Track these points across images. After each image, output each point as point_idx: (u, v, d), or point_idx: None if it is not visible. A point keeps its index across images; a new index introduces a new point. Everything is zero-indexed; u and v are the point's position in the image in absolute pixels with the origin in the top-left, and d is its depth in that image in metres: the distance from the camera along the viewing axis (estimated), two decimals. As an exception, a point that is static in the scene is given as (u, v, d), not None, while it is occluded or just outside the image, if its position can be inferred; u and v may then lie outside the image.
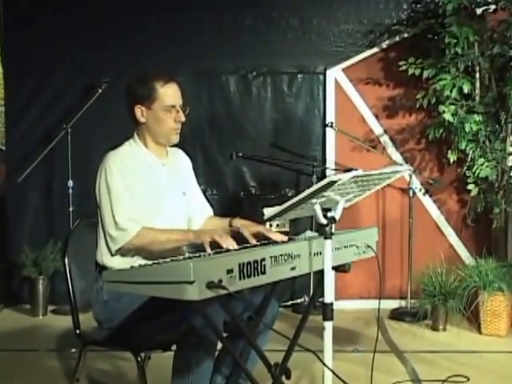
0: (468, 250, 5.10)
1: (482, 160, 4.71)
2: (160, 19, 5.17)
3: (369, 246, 2.67)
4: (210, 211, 3.04)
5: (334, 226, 2.37)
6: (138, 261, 2.65)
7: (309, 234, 2.56)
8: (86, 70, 5.15)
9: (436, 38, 4.77)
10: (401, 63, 4.83)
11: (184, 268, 1.98)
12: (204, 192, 5.06)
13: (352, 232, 2.68)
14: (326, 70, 5.20)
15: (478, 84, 4.74)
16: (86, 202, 4.68)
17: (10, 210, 5.36)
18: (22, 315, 5.06)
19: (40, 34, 5.17)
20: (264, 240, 2.63)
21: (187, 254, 2.57)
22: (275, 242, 2.55)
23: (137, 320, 2.59)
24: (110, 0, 5.22)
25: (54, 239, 5.08)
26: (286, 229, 4.88)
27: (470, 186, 4.85)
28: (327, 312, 2.36)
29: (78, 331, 2.82)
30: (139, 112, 2.77)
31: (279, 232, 2.67)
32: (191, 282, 1.96)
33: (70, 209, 4.91)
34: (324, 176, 4.88)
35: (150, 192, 2.75)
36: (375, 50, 5.16)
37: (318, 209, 2.35)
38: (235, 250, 2.43)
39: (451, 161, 4.91)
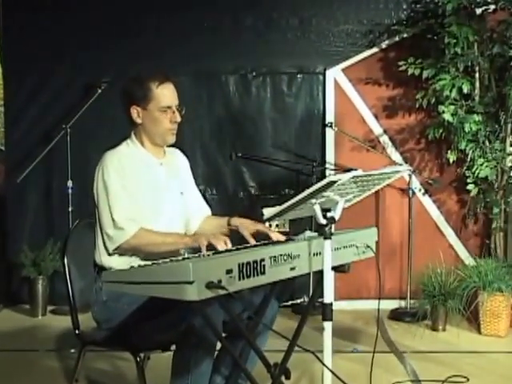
0: (468, 250, 5.10)
1: (482, 160, 4.71)
2: (160, 19, 5.17)
3: (368, 246, 2.67)
4: (207, 211, 3.03)
5: (333, 226, 2.37)
6: (136, 261, 2.65)
7: (308, 234, 2.56)
8: (85, 70, 5.16)
9: (435, 38, 4.77)
10: (400, 63, 4.83)
11: (183, 268, 1.98)
12: (204, 192, 5.15)
13: (351, 232, 2.68)
14: (325, 70, 5.20)
15: (477, 84, 4.74)
16: (85, 202, 4.63)
17: (9, 209, 5.36)
18: (21, 315, 5.06)
19: (40, 34, 5.18)
20: (263, 239, 2.62)
21: (186, 255, 2.57)
22: (275, 242, 2.55)
23: (136, 320, 2.59)
24: (109, 0, 5.22)
25: (53, 239, 5.08)
26: (286, 229, 4.88)
27: (470, 186, 4.85)
28: (327, 312, 2.36)
29: (77, 331, 2.82)
30: (135, 113, 2.76)
31: (278, 232, 2.67)
32: (191, 283, 1.96)
33: (70, 209, 4.91)
34: (324, 176, 4.88)
35: (148, 192, 2.75)
36: (375, 50, 5.16)
37: (317, 209, 2.35)
38: (235, 250, 2.43)
39: (451, 161, 4.91)
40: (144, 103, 2.74)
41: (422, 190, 5.10)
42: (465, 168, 4.87)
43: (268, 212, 2.42)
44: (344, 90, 5.18)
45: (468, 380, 3.51)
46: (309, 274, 2.43)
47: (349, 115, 5.16)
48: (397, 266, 5.10)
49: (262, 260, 2.19)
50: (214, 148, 5.29)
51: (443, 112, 4.65)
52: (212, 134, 5.30)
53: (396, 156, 5.15)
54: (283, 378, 2.27)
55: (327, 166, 5.15)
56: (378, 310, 2.92)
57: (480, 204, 4.89)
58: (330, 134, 5.14)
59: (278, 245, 2.42)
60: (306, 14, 5.21)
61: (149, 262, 2.36)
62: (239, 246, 2.52)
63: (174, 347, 2.54)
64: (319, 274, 2.41)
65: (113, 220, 2.64)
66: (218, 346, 2.48)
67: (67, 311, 2.95)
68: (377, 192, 4.72)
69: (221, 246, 2.46)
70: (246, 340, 2.52)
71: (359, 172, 2.29)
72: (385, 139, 5.17)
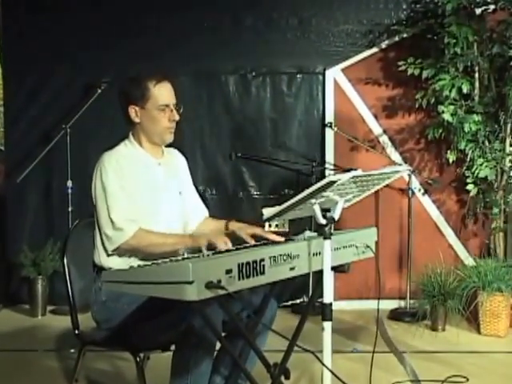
0: (467, 250, 5.10)
1: (481, 160, 4.71)
2: (160, 19, 5.17)
3: (368, 247, 2.67)
4: (205, 212, 3.03)
5: (333, 226, 2.37)
6: (134, 261, 2.65)
7: (308, 234, 2.56)
8: (85, 70, 5.16)
9: (435, 38, 4.77)
10: (400, 63, 4.83)
11: (183, 268, 1.98)
12: (203, 192, 5.16)
13: (351, 232, 2.68)
14: (325, 70, 5.20)
15: (477, 84, 4.74)
16: (85, 202, 4.60)
17: (9, 210, 5.36)
18: (21, 315, 5.06)
19: (40, 34, 5.17)
20: (261, 240, 2.62)
21: (186, 255, 2.57)
22: (274, 242, 2.55)
23: (136, 320, 2.59)
24: (109, 0, 5.22)
25: (53, 239, 5.08)
26: (286, 229, 4.88)
27: (470, 186, 4.85)
28: (326, 312, 2.36)
29: (76, 331, 2.82)
30: (133, 112, 2.76)
31: (278, 232, 2.67)
32: (190, 283, 1.96)
33: (69, 209, 4.91)
34: (323, 176, 4.88)
35: (146, 192, 2.75)
36: (374, 50, 5.16)
37: (317, 209, 2.35)
38: (234, 249, 2.43)
39: (450, 161, 4.91)
40: (142, 102, 2.74)
41: (422, 190, 5.10)
42: (464, 168, 4.87)
43: (268, 212, 2.42)
44: (344, 90, 5.18)
45: (468, 380, 3.51)
46: (308, 274, 2.43)
47: (348, 115, 5.15)
48: (396, 266, 5.10)
49: (262, 260, 2.20)
50: (213, 148, 5.29)
51: (443, 112, 4.65)
52: (212, 134, 5.30)
53: (396, 156, 5.16)
54: (283, 377, 2.27)
55: (327, 165, 5.15)
56: (378, 309, 2.92)
57: (480, 204, 4.89)
58: (329, 133, 5.14)
59: (277, 245, 2.42)
60: (305, 14, 5.21)
61: (148, 262, 2.36)
62: (239, 246, 2.52)
63: (173, 347, 2.54)
64: (319, 274, 2.41)
65: (111, 221, 2.64)
66: (218, 345, 2.48)
67: (67, 311, 2.95)
68: (376, 192, 4.73)
69: (222, 246, 2.46)
70: (245, 340, 2.52)
71: (359, 172, 2.29)
72: (384, 139, 5.17)
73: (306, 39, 5.23)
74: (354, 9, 5.19)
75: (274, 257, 2.25)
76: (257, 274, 2.17)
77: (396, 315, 4.84)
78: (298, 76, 5.26)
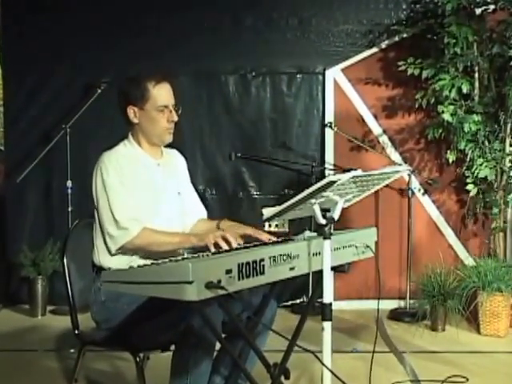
0: (467, 250, 5.10)
1: (481, 160, 4.71)
2: (160, 19, 5.17)
3: (368, 247, 2.67)
4: (203, 213, 3.02)
5: (332, 226, 2.36)
6: (135, 260, 2.65)
7: (308, 234, 2.56)
8: (85, 70, 5.16)
9: (435, 38, 4.77)
10: (400, 63, 4.83)
11: (183, 268, 1.98)
12: (203, 192, 5.16)
13: (351, 232, 2.68)
14: (325, 70, 5.20)
15: (477, 84, 4.74)
16: (85, 202, 4.61)
17: (8, 210, 5.36)
18: (20, 315, 5.06)
19: (40, 34, 5.17)
20: (252, 241, 2.62)
21: (186, 255, 2.57)
22: (274, 242, 2.55)
23: (135, 320, 2.59)
24: (109, 0, 5.22)
25: (52, 239, 5.08)
26: (285, 229, 4.88)
27: (469, 186, 4.85)
28: (326, 312, 2.36)
29: (76, 331, 2.82)
30: (132, 113, 2.76)
31: (278, 233, 2.67)
32: (190, 283, 1.96)
33: (69, 209, 4.92)
34: (323, 176, 4.88)
35: (146, 192, 2.74)
36: (374, 50, 5.16)
37: (317, 209, 2.35)
38: (234, 249, 2.43)
39: (450, 161, 4.91)
40: (141, 103, 2.74)
41: (422, 190, 5.10)
42: (464, 168, 4.87)
43: (267, 212, 2.42)
44: (343, 90, 5.18)
45: (467, 380, 3.51)
46: (308, 274, 2.43)
47: (348, 115, 5.15)
48: (396, 266, 5.10)
49: (262, 260, 2.20)
50: (213, 148, 5.29)
51: (443, 112, 4.65)
52: (212, 134, 5.29)
53: (395, 156, 5.16)
54: (283, 377, 2.27)
55: (326, 165, 5.15)
56: (378, 309, 2.92)
57: (479, 204, 4.89)
58: (329, 133, 5.14)
59: (277, 245, 2.42)
60: (305, 14, 5.21)
61: (148, 262, 2.36)
62: (238, 246, 2.52)
63: (173, 347, 2.54)
64: (319, 274, 2.41)
65: (115, 220, 2.63)
66: (218, 346, 2.48)
67: (67, 311, 2.95)
68: (376, 192, 4.73)
69: (234, 244, 2.46)
70: (245, 340, 2.52)
71: (359, 172, 2.29)
72: (384, 139, 5.17)
73: (305, 39, 5.23)
74: (353, 9, 5.19)
75: (274, 257, 2.25)
76: (257, 274, 2.17)
77: (396, 315, 4.84)
78: (298, 76, 5.26)
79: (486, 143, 4.73)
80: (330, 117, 5.17)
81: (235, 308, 2.57)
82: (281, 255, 2.28)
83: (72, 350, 3.90)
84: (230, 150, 5.14)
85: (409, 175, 4.89)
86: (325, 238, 2.33)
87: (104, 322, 2.72)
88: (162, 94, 2.75)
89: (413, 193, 4.92)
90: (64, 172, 4.96)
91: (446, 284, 4.44)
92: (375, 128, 5.18)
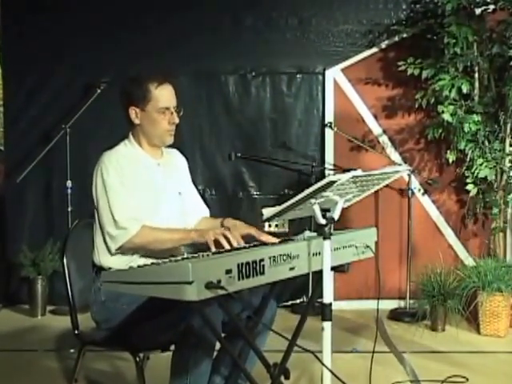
0: (467, 250, 5.10)
1: (481, 160, 4.71)
2: (160, 19, 5.17)
3: (368, 247, 2.67)
4: (205, 212, 3.02)
5: (332, 226, 2.36)
6: (136, 259, 2.65)
7: (308, 234, 2.56)
8: (85, 70, 5.16)
9: (435, 38, 4.77)
10: (400, 63, 4.83)
11: (183, 268, 1.98)
12: (203, 192, 5.15)
13: (351, 232, 2.68)
14: (325, 70, 5.20)
15: (477, 84, 4.74)
16: (84, 202, 4.61)
17: (8, 210, 5.36)
18: (20, 315, 5.06)
19: (39, 34, 5.17)
20: (253, 241, 2.62)
21: (186, 255, 2.57)
22: (274, 243, 2.55)
23: (135, 320, 2.59)
24: (109, 0, 5.21)
25: (52, 239, 5.08)
26: (285, 229, 4.88)
27: (469, 186, 4.85)
28: (326, 312, 2.36)
29: (76, 331, 2.82)
30: (133, 113, 2.76)
31: (277, 233, 2.67)
32: (190, 283, 1.96)
33: (69, 209, 4.92)
34: (323, 176, 4.88)
35: (146, 192, 2.74)
36: (374, 50, 5.16)
37: (316, 209, 2.34)
38: (234, 249, 2.43)
39: (450, 161, 4.91)
40: (142, 104, 2.74)
41: (422, 190, 5.10)
42: (464, 168, 4.87)
43: (267, 212, 2.42)
44: (343, 90, 5.18)
45: (467, 380, 3.51)
46: (308, 274, 2.43)
47: (348, 115, 5.15)
48: (396, 266, 5.10)
49: (262, 260, 2.19)
50: (213, 148, 5.29)
51: (442, 112, 4.65)
52: (211, 134, 5.30)
53: (395, 156, 5.16)
54: (282, 377, 2.27)
55: (326, 165, 5.15)
56: (378, 310, 2.92)
57: (479, 204, 4.89)
58: (329, 134, 5.14)
59: (277, 245, 2.42)
60: (305, 14, 5.21)
61: (148, 262, 2.36)
62: (239, 246, 2.52)
63: (173, 347, 2.54)
64: (319, 274, 2.41)
65: (114, 220, 2.63)
66: (217, 346, 2.48)
67: (66, 311, 2.95)
68: (376, 192, 4.73)
69: (232, 241, 2.46)
70: (245, 340, 2.52)
71: (359, 172, 2.29)
72: (384, 139, 5.17)
73: (305, 39, 5.23)
74: (353, 9, 5.19)
75: (274, 257, 2.25)
76: (256, 274, 2.17)
77: (396, 315, 4.84)
78: (298, 76, 5.26)
79: (486, 143, 4.73)
80: (329, 117, 5.17)
81: (235, 308, 2.57)
82: (281, 255, 2.28)
83: (72, 350, 3.90)
84: (229, 150, 5.14)
85: (409, 175, 4.89)
86: (325, 238, 2.33)
87: (104, 322, 2.72)
88: (163, 95, 2.75)
89: (413, 193, 4.92)
90: (64, 172, 4.96)
91: (445, 284, 4.44)
92: (375, 128, 5.18)
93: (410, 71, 4.78)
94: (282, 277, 2.31)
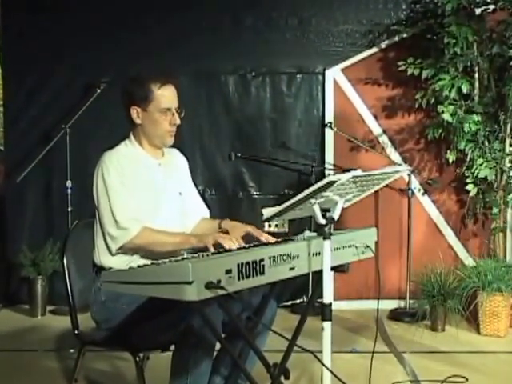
0: (467, 250, 5.10)
1: (481, 160, 4.71)
2: (160, 19, 5.16)
3: (368, 247, 2.67)
4: (205, 213, 3.02)
5: (332, 226, 2.36)
6: (136, 260, 2.65)
7: (308, 234, 2.56)
8: (85, 70, 5.15)
9: (435, 38, 4.77)
10: (400, 63, 4.83)
11: (183, 268, 1.98)
12: (203, 192, 5.15)
13: (351, 232, 2.68)
14: (324, 70, 5.20)
15: (476, 84, 4.74)
16: (84, 202, 4.64)
17: (8, 210, 5.36)
18: (20, 315, 5.06)
19: (39, 34, 5.17)
20: (253, 240, 2.62)
21: (186, 255, 2.56)
22: (274, 243, 2.55)
23: (135, 320, 2.59)
24: (109, 0, 5.21)
25: (52, 239, 5.08)
26: (286, 229, 4.88)
27: (469, 186, 4.85)
28: (326, 312, 2.36)
29: (76, 331, 2.82)
30: (135, 113, 2.76)
31: (277, 233, 2.67)
32: (190, 283, 1.96)
33: (69, 209, 4.92)
34: (323, 176, 4.88)
35: (147, 192, 2.74)
36: (374, 50, 5.16)
37: (316, 209, 2.35)
38: (236, 250, 2.43)
39: (450, 161, 4.91)
40: (144, 104, 2.74)
41: (422, 190, 5.10)
42: (464, 168, 4.87)
43: (267, 212, 2.42)
44: (343, 90, 5.18)
45: (467, 380, 3.51)
46: (308, 274, 2.43)
47: (348, 115, 5.15)
48: (396, 266, 5.10)
49: (262, 260, 2.20)
50: (213, 148, 5.29)
51: (442, 112, 4.65)
52: (211, 134, 5.29)
53: (395, 156, 5.15)
54: (282, 378, 2.27)
55: (326, 166, 5.15)
56: (378, 310, 2.93)
57: (479, 204, 4.89)
58: (329, 134, 5.14)
59: (277, 245, 2.42)
60: (305, 14, 5.21)
61: (148, 262, 2.36)
62: (239, 246, 2.52)
63: (173, 347, 2.54)
64: (318, 274, 2.41)
65: (115, 220, 2.63)
66: (217, 346, 2.48)
67: (66, 311, 2.95)
68: (376, 192, 4.73)
69: (228, 245, 2.46)
70: (245, 340, 2.52)
71: (359, 172, 2.29)
72: (384, 139, 5.17)
73: (305, 39, 5.23)
74: (353, 9, 5.19)
75: (274, 257, 2.25)
76: (256, 274, 2.17)
77: (396, 315, 4.84)
78: (298, 76, 5.26)
79: (486, 143, 4.73)
80: (329, 117, 5.17)
81: (235, 308, 2.57)
82: (281, 255, 2.28)
83: (72, 350, 3.90)
84: (229, 150, 5.15)
85: (409, 175, 4.89)
86: (325, 238, 2.33)
87: (104, 322, 2.72)
88: (165, 96, 2.74)
89: (413, 193, 4.92)
90: (64, 172, 4.96)
91: (445, 284, 4.44)
92: (375, 128, 5.18)
93: (409, 71, 4.78)
94: (282, 277, 2.31)
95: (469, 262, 4.97)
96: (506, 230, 4.89)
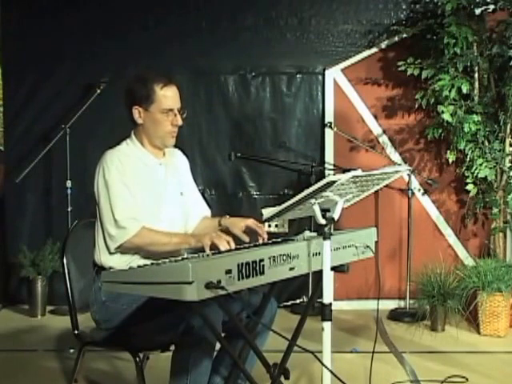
0: (467, 250, 5.10)
1: (481, 160, 4.71)
2: (159, 19, 5.17)
3: (367, 247, 2.67)
4: (207, 211, 3.02)
5: (332, 226, 2.36)
6: (136, 260, 2.65)
7: (307, 234, 2.56)
8: (85, 70, 5.15)
9: (435, 38, 4.77)
10: (400, 63, 4.83)
11: (183, 268, 1.98)
12: (203, 192, 5.15)
13: (351, 232, 2.68)
14: (324, 70, 5.20)
15: (476, 84, 4.74)
16: (84, 202, 4.68)
17: (8, 210, 5.36)
18: (20, 315, 5.05)
19: (39, 34, 5.17)
20: (254, 234, 2.63)
21: (186, 255, 2.56)
22: (274, 242, 2.55)
23: (135, 320, 2.59)
24: (109, 0, 5.21)
25: (52, 239, 5.08)
26: (286, 229, 4.88)
27: (469, 186, 4.85)
28: (326, 312, 2.36)
29: (76, 331, 2.82)
30: (137, 113, 2.76)
31: (277, 233, 2.68)
32: (190, 283, 1.96)
33: (69, 209, 4.91)
34: (323, 176, 4.88)
35: (148, 192, 2.74)
36: (374, 50, 5.16)
37: (316, 209, 2.35)
38: (234, 249, 2.43)
39: (450, 161, 4.91)
40: (146, 104, 2.73)
41: (422, 190, 5.10)
42: (464, 168, 4.87)
43: (267, 212, 2.42)
44: (343, 90, 5.18)
45: (467, 380, 3.51)
46: (308, 274, 2.43)
47: (348, 115, 5.15)
48: (396, 266, 5.10)
49: (262, 260, 2.20)
50: (213, 148, 5.29)
51: (442, 112, 4.65)
52: (211, 134, 5.29)
53: (395, 156, 5.15)
54: (282, 377, 2.27)
55: (326, 166, 5.15)
56: (378, 310, 2.93)
57: (479, 204, 4.89)
58: (329, 134, 5.14)
59: (277, 245, 2.42)
60: (305, 14, 5.21)
61: (148, 262, 2.36)
62: (239, 246, 2.52)
63: (173, 347, 2.54)
64: (318, 274, 2.41)
65: (114, 219, 2.63)
66: (217, 346, 2.48)
67: (66, 311, 2.95)
68: (376, 192, 4.73)
69: (223, 246, 2.46)
70: (245, 340, 2.52)
71: (359, 172, 2.29)
72: (384, 139, 5.17)
73: (305, 39, 5.22)
74: (353, 9, 5.19)
75: (274, 257, 2.25)
76: (256, 274, 2.17)
77: (396, 315, 4.84)
78: (298, 76, 5.26)
79: (486, 143, 4.73)
80: (329, 117, 5.16)
81: (235, 308, 2.57)
82: (280, 255, 2.28)
83: (72, 350, 3.91)
84: (229, 150, 5.15)
85: (409, 175, 4.89)
86: (325, 238, 2.33)
87: (104, 322, 2.71)
88: (168, 96, 2.74)
89: (413, 193, 4.92)
90: (63, 172, 4.96)
91: (445, 284, 4.44)
92: (375, 128, 5.18)
93: (409, 71, 4.78)
94: (282, 277, 2.31)
95: (469, 261, 4.97)
96: (506, 230, 4.89)
